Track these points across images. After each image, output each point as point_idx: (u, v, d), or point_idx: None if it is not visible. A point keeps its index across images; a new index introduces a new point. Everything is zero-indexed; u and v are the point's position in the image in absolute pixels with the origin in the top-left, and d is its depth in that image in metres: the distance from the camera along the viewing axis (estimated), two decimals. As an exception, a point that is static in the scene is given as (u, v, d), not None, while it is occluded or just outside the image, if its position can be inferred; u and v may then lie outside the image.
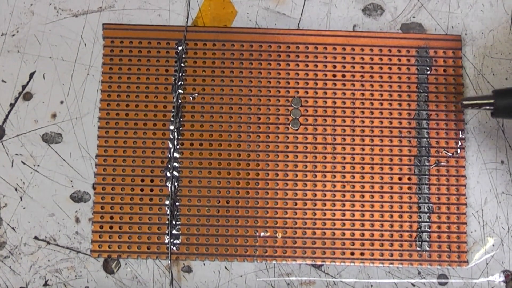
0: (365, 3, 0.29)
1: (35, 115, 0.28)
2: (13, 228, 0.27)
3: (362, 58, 0.28)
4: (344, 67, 0.28)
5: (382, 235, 0.27)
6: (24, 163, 0.27)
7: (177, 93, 0.28)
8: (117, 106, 0.27)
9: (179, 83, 0.28)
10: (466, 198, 0.27)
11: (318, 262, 0.27)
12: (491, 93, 0.25)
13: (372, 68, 0.28)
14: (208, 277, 0.27)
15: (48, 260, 0.27)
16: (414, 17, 0.29)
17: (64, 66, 0.28)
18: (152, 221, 0.27)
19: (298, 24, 0.29)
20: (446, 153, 0.27)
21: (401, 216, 0.27)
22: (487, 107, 0.25)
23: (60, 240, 0.27)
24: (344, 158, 0.27)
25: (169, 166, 0.27)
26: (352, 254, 0.27)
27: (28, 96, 0.28)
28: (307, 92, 0.28)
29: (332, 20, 0.29)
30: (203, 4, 0.29)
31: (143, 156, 0.27)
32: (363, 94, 0.28)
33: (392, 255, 0.26)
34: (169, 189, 0.27)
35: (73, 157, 0.27)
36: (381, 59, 0.28)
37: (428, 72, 0.28)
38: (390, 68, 0.28)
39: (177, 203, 0.27)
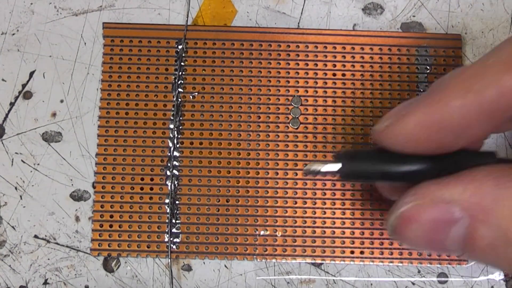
0: (365, 2, 0.29)
1: (35, 114, 0.28)
2: (13, 227, 0.27)
3: (362, 57, 0.28)
4: (344, 66, 0.28)
5: (382, 234, 0.27)
6: (24, 162, 0.27)
7: (177, 92, 0.28)
8: (117, 105, 0.27)
9: (179, 82, 0.28)
10: (466, 197, 0.27)
11: (318, 261, 0.27)
12: (335, 158, 0.22)
13: (372, 67, 0.28)
14: (208, 276, 0.27)
15: (48, 259, 0.27)
16: (414, 16, 0.29)
17: (64, 65, 0.28)
18: (152, 219, 0.27)
19: (298, 23, 0.29)
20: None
21: (401, 215, 0.27)
22: (334, 173, 0.21)
23: (60, 239, 0.27)
24: (344, 157, 0.27)
25: (169, 164, 0.27)
26: (352, 252, 0.26)
27: (28, 95, 0.28)
28: (307, 91, 0.28)
29: (332, 19, 0.29)
30: (203, 3, 0.29)
31: (143, 154, 0.27)
32: (363, 93, 0.28)
33: (392, 253, 0.26)
34: (169, 187, 0.27)
35: (73, 156, 0.27)
36: (381, 58, 0.28)
37: (428, 71, 0.28)
38: (390, 67, 0.28)
39: (177, 202, 0.27)
